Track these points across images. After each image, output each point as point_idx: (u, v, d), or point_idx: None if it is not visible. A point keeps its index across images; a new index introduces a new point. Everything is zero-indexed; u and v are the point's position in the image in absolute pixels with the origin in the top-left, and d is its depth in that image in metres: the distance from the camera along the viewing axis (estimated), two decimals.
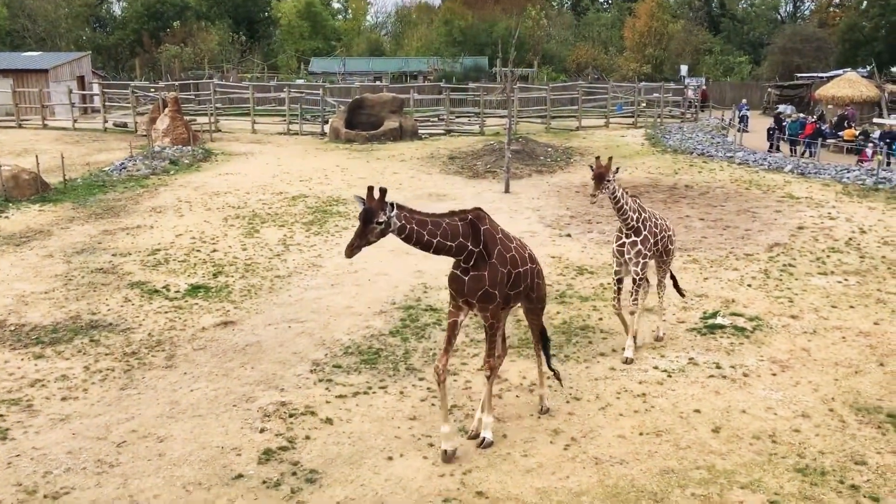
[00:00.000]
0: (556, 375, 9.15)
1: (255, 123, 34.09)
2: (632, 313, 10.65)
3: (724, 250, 15.82)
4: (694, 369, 10.14)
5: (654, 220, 10.54)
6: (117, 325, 11.69)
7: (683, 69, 50.37)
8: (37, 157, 21.62)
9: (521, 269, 7.95)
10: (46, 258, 15.04)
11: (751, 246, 16.13)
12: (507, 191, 21.83)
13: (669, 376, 9.91)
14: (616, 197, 9.86)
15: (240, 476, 7.61)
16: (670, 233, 10.98)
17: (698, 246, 16.16)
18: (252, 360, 10.44)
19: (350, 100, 33.86)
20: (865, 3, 54.85)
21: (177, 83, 39.90)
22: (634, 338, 10.57)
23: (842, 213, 18.84)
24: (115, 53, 62.37)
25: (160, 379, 9.87)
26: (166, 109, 28.97)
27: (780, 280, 13.89)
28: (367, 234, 6.88)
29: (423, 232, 7.17)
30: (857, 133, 28.23)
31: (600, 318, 11.93)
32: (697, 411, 8.94)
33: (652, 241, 10.38)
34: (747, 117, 33.92)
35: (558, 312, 12.22)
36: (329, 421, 8.71)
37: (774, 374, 10.00)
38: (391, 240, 7.30)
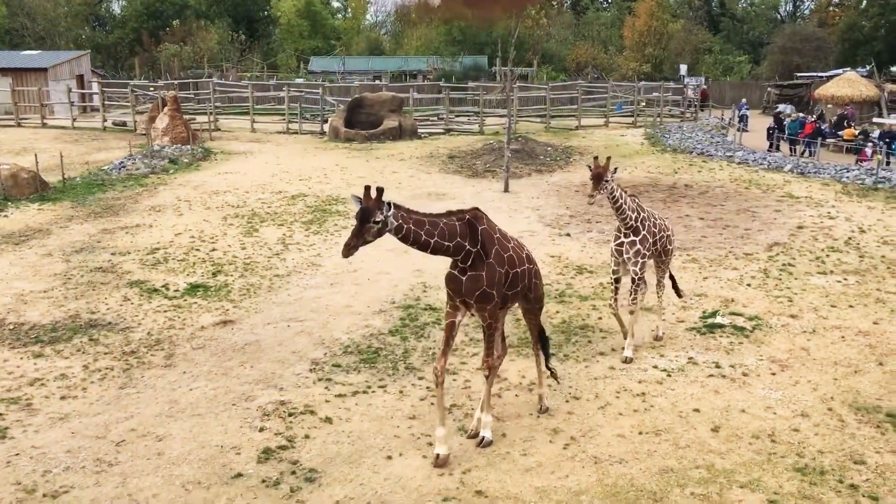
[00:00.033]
0: (553, 374, 9.14)
1: (254, 122, 34.07)
2: (631, 313, 10.65)
3: (723, 249, 15.82)
4: (693, 369, 10.14)
5: (652, 219, 10.54)
6: (116, 324, 11.68)
7: (683, 68, 50.40)
8: (36, 155, 21.60)
9: (518, 270, 7.93)
10: (45, 257, 15.03)
11: (750, 245, 16.14)
12: (506, 190, 21.83)
13: (669, 376, 9.91)
14: (614, 197, 9.85)
15: (239, 475, 7.61)
16: (669, 232, 10.98)
17: (698, 245, 16.17)
18: (251, 359, 10.44)
19: (349, 99, 33.83)
20: (865, 2, 54.88)
21: (176, 82, 39.88)
22: (632, 336, 10.57)
23: (841, 212, 18.84)
24: (114, 52, 62.33)
25: (159, 378, 9.86)
26: (165, 108, 28.95)
27: (780, 279, 13.90)
28: (363, 233, 6.84)
29: (420, 232, 7.13)
30: (857, 132, 28.24)
31: (600, 318, 11.93)
32: (697, 410, 8.94)
33: (651, 240, 10.38)
34: (747, 117, 33.95)
35: (558, 312, 12.22)
36: (328, 420, 8.71)
37: (774, 374, 10.00)
38: (390, 239, 7.28)
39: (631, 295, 10.61)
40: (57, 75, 39.00)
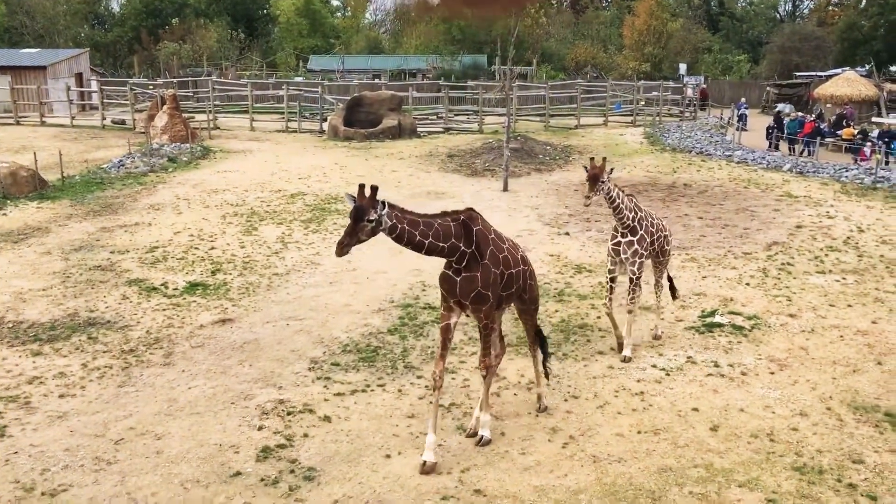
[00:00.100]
0: (546, 374, 9.12)
1: (253, 121, 34.04)
2: (630, 312, 10.65)
3: (722, 249, 15.83)
4: (692, 368, 10.14)
5: (650, 219, 10.54)
6: (115, 323, 11.68)
7: (682, 68, 50.41)
8: (35, 154, 21.58)
9: (513, 271, 7.90)
10: (44, 255, 15.02)
11: (749, 244, 16.14)
12: (505, 189, 21.82)
13: (668, 375, 9.91)
14: (611, 197, 9.85)
15: (238, 474, 7.61)
16: (666, 233, 10.98)
17: (697, 244, 16.17)
18: (250, 358, 10.44)
19: (349, 97, 33.83)
20: (864, 2, 54.85)
21: (175, 80, 39.80)
22: (629, 336, 10.55)
23: (840, 211, 18.85)
24: (113, 50, 62.27)
25: (158, 376, 9.86)
26: (165, 107, 28.93)
27: (779, 279, 13.90)
28: (357, 231, 6.82)
29: (414, 232, 7.10)
30: (856, 132, 28.25)
31: (598, 317, 11.93)
32: (695, 410, 8.95)
33: (648, 240, 10.38)
34: (746, 116, 33.95)
35: (557, 311, 12.22)
36: (327, 419, 8.71)
37: (772, 373, 10.01)
38: (389, 238, 7.28)
39: (629, 295, 10.61)
40: (56, 73, 38.94)
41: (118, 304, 12.50)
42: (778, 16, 69.96)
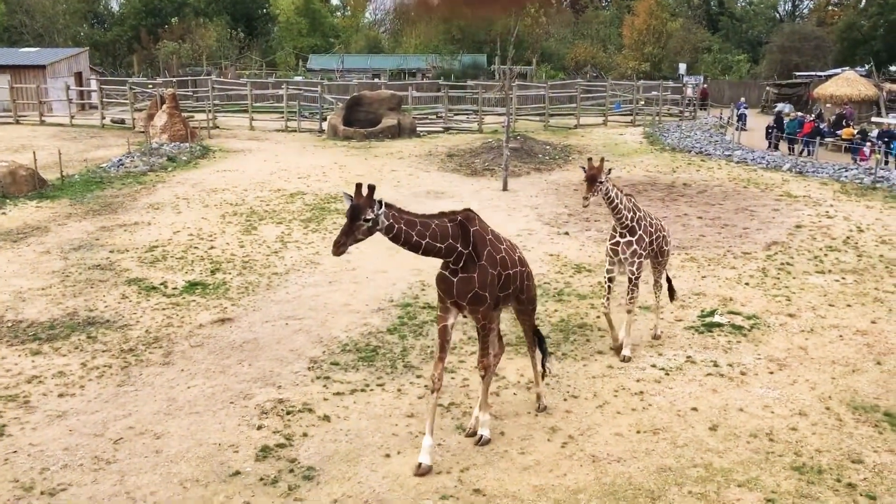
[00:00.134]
0: (544, 374, 9.10)
1: (252, 120, 34.04)
2: (629, 312, 10.65)
3: (721, 248, 15.83)
4: (691, 367, 10.15)
5: (648, 219, 10.54)
6: (114, 322, 11.67)
7: (682, 67, 50.44)
8: (34, 153, 21.57)
9: (511, 271, 7.88)
10: (43, 254, 15.01)
11: (748, 244, 16.14)
12: (505, 189, 21.82)
13: (667, 374, 9.91)
14: (610, 197, 9.85)
15: (237, 473, 7.60)
16: (665, 233, 10.97)
17: (696, 244, 16.17)
18: (249, 358, 10.43)
19: (348, 97, 33.83)
20: (864, 1, 54.87)
21: (175, 80, 39.80)
22: (628, 335, 10.55)
23: (839, 211, 18.86)
24: (112, 50, 62.22)
25: (157, 376, 9.86)
26: (164, 106, 28.91)
27: (778, 278, 13.90)
28: (353, 231, 6.77)
29: (411, 232, 7.05)
30: (856, 132, 28.27)
31: (598, 317, 11.93)
32: (695, 409, 8.95)
33: (647, 240, 10.38)
34: (746, 116, 33.97)
35: (556, 310, 12.22)
36: (326, 418, 8.71)
37: (772, 373, 10.01)
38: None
39: (627, 294, 10.61)
40: (55, 72, 38.92)
41: (117, 303, 12.49)
42: (778, 15, 69.98)
